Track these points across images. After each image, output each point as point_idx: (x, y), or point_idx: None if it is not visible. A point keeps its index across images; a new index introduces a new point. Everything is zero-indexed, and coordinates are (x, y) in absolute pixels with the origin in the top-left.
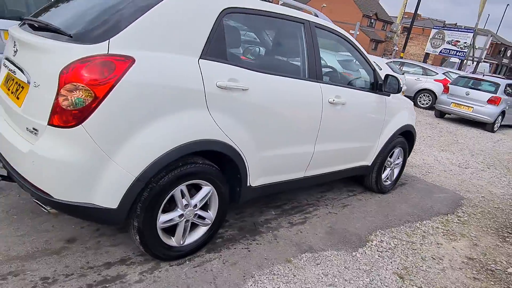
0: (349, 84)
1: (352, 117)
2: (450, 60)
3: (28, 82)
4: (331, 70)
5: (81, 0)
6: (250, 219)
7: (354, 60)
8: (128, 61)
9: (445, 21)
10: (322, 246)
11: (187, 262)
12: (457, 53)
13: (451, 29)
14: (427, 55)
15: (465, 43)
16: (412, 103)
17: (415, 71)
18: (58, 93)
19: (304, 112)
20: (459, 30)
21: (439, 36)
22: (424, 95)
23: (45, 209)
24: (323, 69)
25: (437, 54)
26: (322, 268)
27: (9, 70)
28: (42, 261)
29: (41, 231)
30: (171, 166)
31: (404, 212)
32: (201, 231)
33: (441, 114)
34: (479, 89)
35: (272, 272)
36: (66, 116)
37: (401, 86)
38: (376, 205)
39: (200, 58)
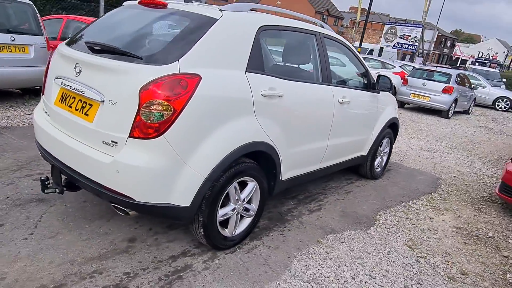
0: (350, 85)
1: (355, 114)
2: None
3: (101, 100)
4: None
5: (133, 25)
6: (275, 210)
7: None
8: (196, 78)
9: (389, 15)
10: (341, 227)
11: (238, 250)
12: (409, 47)
13: (402, 24)
14: (381, 49)
15: (415, 37)
16: (394, 98)
17: (373, 65)
18: (139, 110)
19: (321, 112)
20: (409, 25)
21: (392, 31)
22: None
23: (125, 212)
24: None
25: (392, 48)
26: (347, 245)
27: (71, 89)
28: (117, 259)
29: (102, 234)
30: (230, 166)
31: (397, 194)
32: (246, 222)
33: (401, 105)
34: (433, 80)
35: (309, 252)
36: (147, 129)
37: (393, 84)
38: (373, 190)
39: (246, 71)
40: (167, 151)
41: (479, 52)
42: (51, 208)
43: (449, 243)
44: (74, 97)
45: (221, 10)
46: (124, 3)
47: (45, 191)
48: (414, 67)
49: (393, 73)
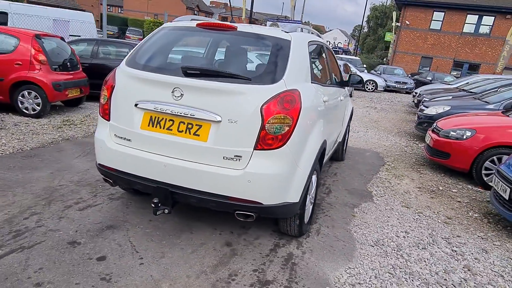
0: (338, 84)
1: (344, 107)
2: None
3: (218, 120)
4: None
5: (211, 48)
6: None
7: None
8: (297, 92)
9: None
10: (357, 202)
11: (310, 234)
12: None
13: (283, 21)
14: None
15: None
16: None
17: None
18: (263, 125)
19: (338, 110)
20: (290, 21)
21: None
22: None
23: (246, 217)
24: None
25: None
26: (371, 214)
27: (172, 112)
28: (235, 261)
29: (200, 245)
30: (315, 163)
31: (365, 169)
32: (309, 208)
33: None
34: None
35: (355, 225)
36: (272, 141)
37: (363, 79)
38: (349, 169)
39: (311, 82)
40: (288, 157)
41: (327, 41)
42: (129, 232)
43: (424, 199)
44: (172, 120)
45: (286, 32)
46: (176, 23)
47: (157, 213)
48: None
49: None
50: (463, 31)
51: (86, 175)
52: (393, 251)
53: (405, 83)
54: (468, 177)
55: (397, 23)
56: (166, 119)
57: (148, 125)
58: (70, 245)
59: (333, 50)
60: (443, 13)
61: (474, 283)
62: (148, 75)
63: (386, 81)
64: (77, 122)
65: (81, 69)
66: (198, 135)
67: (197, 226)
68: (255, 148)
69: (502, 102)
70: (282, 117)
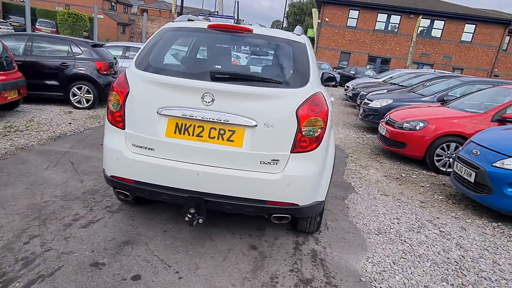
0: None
1: None
2: None
3: (253, 125)
4: None
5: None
6: None
7: None
8: (322, 95)
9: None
10: (344, 194)
11: (321, 228)
12: None
13: (215, 16)
14: None
15: None
16: None
17: None
18: (299, 128)
19: None
20: (222, 16)
21: None
22: None
23: (281, 219)
24: None
25: None
26: (359, 203)
27: (203, 119)
28: (267, 264)
29: (227, 251)
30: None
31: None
32: None
33: None
34: None
35: (353, 216)
36: (307, 143)
37: (337, 78)
38: None
39: (322, 84)
40: (320, 159)
41: None
42: (149, 246)
43: (394, 187)
44: (201, 126)
45: (298, 35)
46: (182, 23)
47: (193, 224)
48: None
49: None
50: (375, 28)
51: (68, 188)
52: (396, 238)
53: None
54: (422, 163)
55: (318, 20)
56: (194, 125)
57: (175, 133)
58: (95, 267)
59: None
60: (358, 11)
61: (470, 258)
62: (172, 80)
63: None
64: (22, 128)
65: (16, 68)
66: (232, 141)
67: (215, 232)
68: (291, 151)
69: (435, 95)
70: (315, 119)
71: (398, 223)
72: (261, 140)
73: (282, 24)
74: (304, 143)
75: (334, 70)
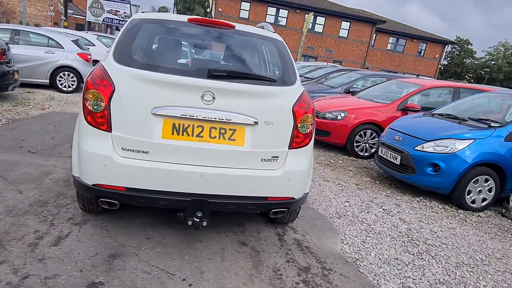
0: None
1: None
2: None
3: (254, 123)
4: None
5: (217, 47)
6: None
7: None
8: (306, 92)
9: None
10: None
11: None
12: (120, 22)
13: (111, 1)
14: (89, 23)
15: (124, 13)
16: None
17: (40, 42)
18: (295, 125)
19: None
20: (115, 1)
21: (97, 5)
22: (65, 75)
23: (279, 213)
24: None
25: (101, 23)
26: (311, 189)
27: (204, 118)
28: (266, 257)
29: (220, 252)
30: None
31: None
32: None
33: None
34: None
35: (307, 201)
36: (302, 139)
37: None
38: None
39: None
40: (310, 153)
41: None
42: (141, 256)
43: (329, 172)
44: (201, 126)
45: (272, 32)
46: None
47: (199, 228)
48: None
49: (79, 54)
50: (266, 21)
51: (9, 202)
52: (355, 219)
53: None
54: (343, 149)
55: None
56: (193, 125)
57: (172, 134)
58: None
59: None
60: (249, 3)
61: (414, 230)
62: (169, 78)
63: None
64: None
65: None
66: (234, 140)
67: (200, 234)
68: (289, 148)
69: (342, 87)
70: (307, 116)
71: (349, 206)
72: (262, 138)
73: (173, 11)
74: (299, 139)
75: None
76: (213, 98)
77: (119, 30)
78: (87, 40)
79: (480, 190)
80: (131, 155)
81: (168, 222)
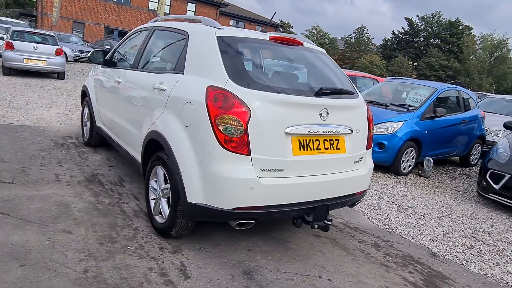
0: None
1: None
2: None
3: (351, 132)
4: None
5: (300, 64)
6: None
7: None
8: None
9: None
10: None
11: None
12: None
13: None
14: None
15: None
16: None
17: None
18: (369, 129)
19: None
20: None
21: None
22: None
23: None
24: None
25: None
26: None
27: (324, 133)
28: (349, 242)
29: (245, 248)
30: None
31: None
32: None
33: (9, 72)
34: (43, 43)
35: None
36: (372, 141)
37: None
38: None
39: None
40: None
41: None
42: (267, 267)
43: None
44: (318, 140)
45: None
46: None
47: (328, 230)
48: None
49: None
50: None
51: (75, 246)
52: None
53: (88, 51)
54: None
55: None
56: (312, 140)
57: (300, 150)
58: None
59: None
60: None
61: (387, 196)
62: (298, 99)
63: (74, 50)
64: None
65: None
66: (339, 149)
67: (283, 236)
68: (366, 149)
69: None
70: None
71: None
72: (354, 144)
73: None
74: (371, 140)
75: (87, 44)
76: (327, 114)
77: None
78: None
79: (408, 159)
80: (269, 174)
81: (243, 231)
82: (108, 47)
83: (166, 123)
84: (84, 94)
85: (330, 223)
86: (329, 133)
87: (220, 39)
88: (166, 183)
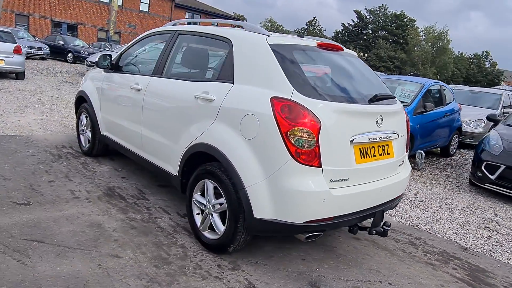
0: None
1: None
2: None
3: (396, 138)
4: None
5: (347, 70)
6: None
7: None
8: None
9: None
10: None
11: None
12: None
13: None
14: None
15: None
16: None
17: None
18: (408, 131)
19: None
20: None
21: None
22: None
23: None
24: None
25: None
26: None
27: (380, 139)
28: (388, 241)
29: (299, 259)
30: None
31: None
32: None
33: None
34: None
35: None
36: (408, 144)
37: None
38: None
39: None
40: None
41: None
42: (330, 276)
43: None
44: (373, 146)
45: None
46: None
47: (387, 235)
48: None
49: None
50: None
51: (126, 272)
52: None
53: (41, 48)
54: None
55: None
56: (369, 147)
57: (361, 158)
58: None
59: None
60: None
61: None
62: (360, 108)
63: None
64: None
65: None
66: (389, 154)
67: (324, 242)
68: (406, 151)
69: None
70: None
71: None
72: (399, 147)
73: None
74: (408, 143)
75: (37, 39)
76: (382, 120)
77: None
78: None
79: None
80: (337, 185)
81: (278, 241)
82: (61, 42)
83: (220, 135)
84: (80, 100)
85: (389, 228)
86: (384, 139)
87: (274, 47)
88: (216, 197)
